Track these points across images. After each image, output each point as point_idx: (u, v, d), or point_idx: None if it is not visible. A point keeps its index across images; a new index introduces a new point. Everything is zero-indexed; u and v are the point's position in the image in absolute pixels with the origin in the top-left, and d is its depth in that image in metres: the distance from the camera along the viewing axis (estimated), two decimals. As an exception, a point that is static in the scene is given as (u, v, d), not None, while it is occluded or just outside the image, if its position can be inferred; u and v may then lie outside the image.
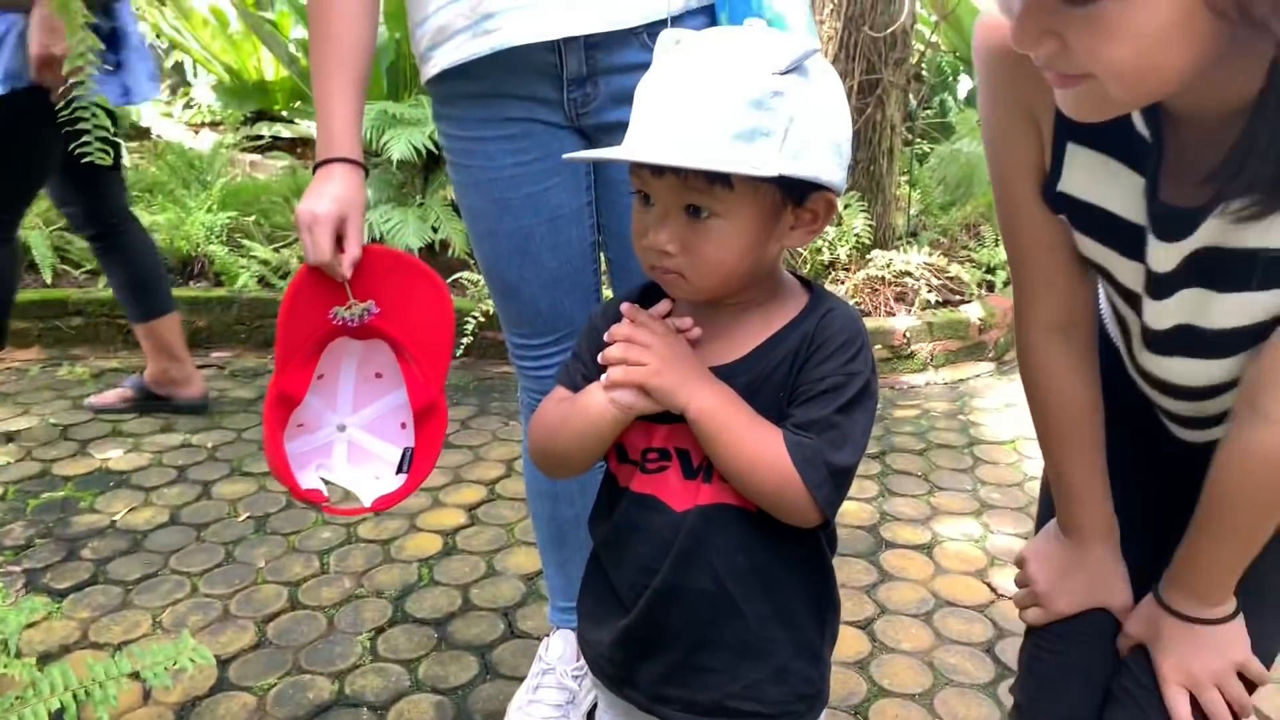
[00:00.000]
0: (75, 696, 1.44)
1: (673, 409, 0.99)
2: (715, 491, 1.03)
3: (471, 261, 3.62)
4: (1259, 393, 0.95)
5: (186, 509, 2.62)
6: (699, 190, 0.93)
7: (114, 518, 2.57)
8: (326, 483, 1.56)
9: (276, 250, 3.76)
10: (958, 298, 3.68)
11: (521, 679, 1.92)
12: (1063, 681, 1.16)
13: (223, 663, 2.01)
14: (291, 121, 5.95)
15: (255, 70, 6.23)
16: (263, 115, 6.10)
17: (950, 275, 3.74)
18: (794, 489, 0.96)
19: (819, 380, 0.98)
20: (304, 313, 1.47)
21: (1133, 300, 1.04)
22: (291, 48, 5.48)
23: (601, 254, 1.64)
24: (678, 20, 1.38)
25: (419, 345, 1.53)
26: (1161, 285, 0.97)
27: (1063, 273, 1.07)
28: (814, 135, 0.92)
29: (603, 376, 1.03)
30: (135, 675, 1.58)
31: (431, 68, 1.45)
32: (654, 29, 1.36)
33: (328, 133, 1.40)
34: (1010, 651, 2.07)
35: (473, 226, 1.59)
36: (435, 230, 3.66)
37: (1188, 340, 1.00)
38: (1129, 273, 1.01)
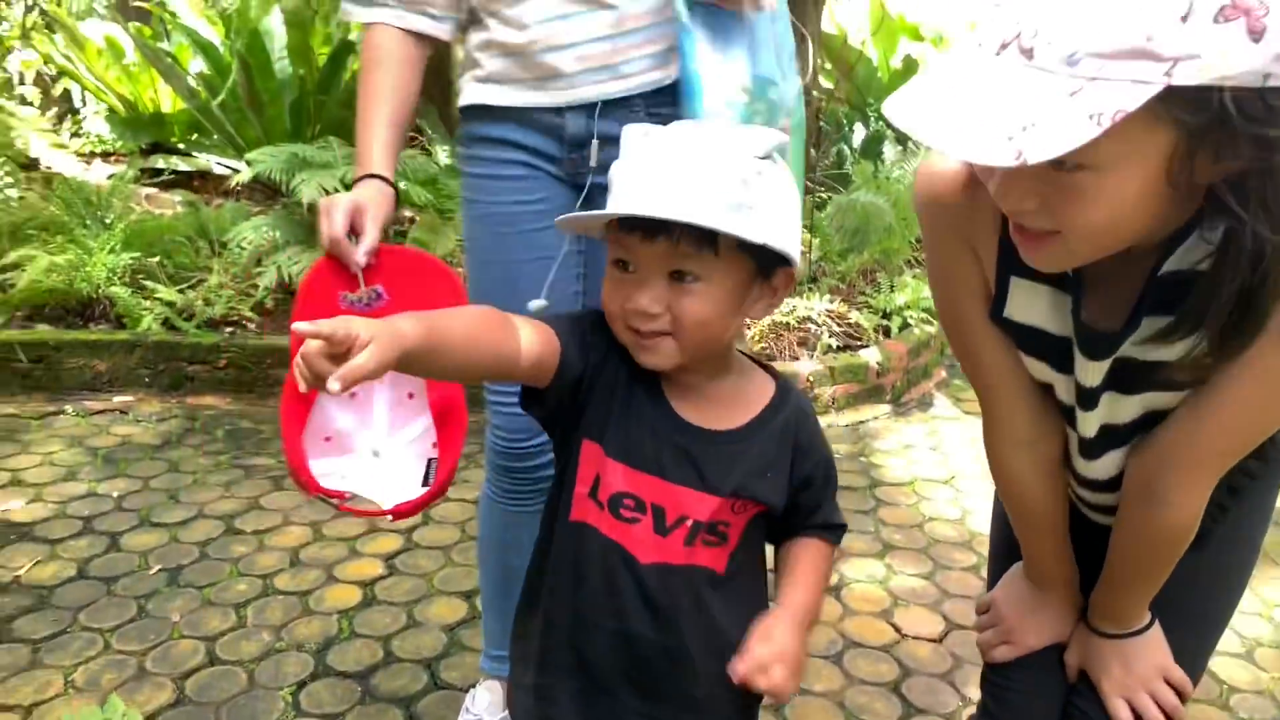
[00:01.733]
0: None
1: None
2: (689, 552, 1.11)
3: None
4: (1153, 479, 1.08)
5: (95, 562, 2.57)
6: (687, 255, 1.02)
7: (17, 573, 2.51)
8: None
9: (181, 291, 3.71)
10: (857, 343, 3.84)
11: (448, 731, 1.95)
12: (1032, 708, 1.31)
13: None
14: (189, 154, 5.85)
15: (152, 102, 6.11)
16: (159, 147, 5.99)
17: (850, 321, 3.90)
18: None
19: (816, 472, 1.17)
20: (317, 302, 1.51)
21: (1069, 415, 1.16)
22: (190, 81, 5.41)
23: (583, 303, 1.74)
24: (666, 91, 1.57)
25: None
26: (1089, 397, 1.10)
27: (1024, 393, 1.17)
28: (782, 214, 1.04)
29: None
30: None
31: (463, 98, 1.64)
32: (651, 100, 1.57)
33: (365, 156, 1.58)
34: (916, 690, 2.18)
35: (471, 256, 1.72)
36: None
37: (1109, 438, 1.13)
38: (1064, 388, 1.13)
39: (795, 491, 1.16)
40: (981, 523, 2.87)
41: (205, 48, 5.36)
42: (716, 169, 1.00)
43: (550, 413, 1.15)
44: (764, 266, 1.07)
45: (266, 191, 4.31)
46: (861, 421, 3.66)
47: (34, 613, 2.36)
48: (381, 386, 1.59)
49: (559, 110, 1.58)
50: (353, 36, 5.02)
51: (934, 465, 3.31)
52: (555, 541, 1.18)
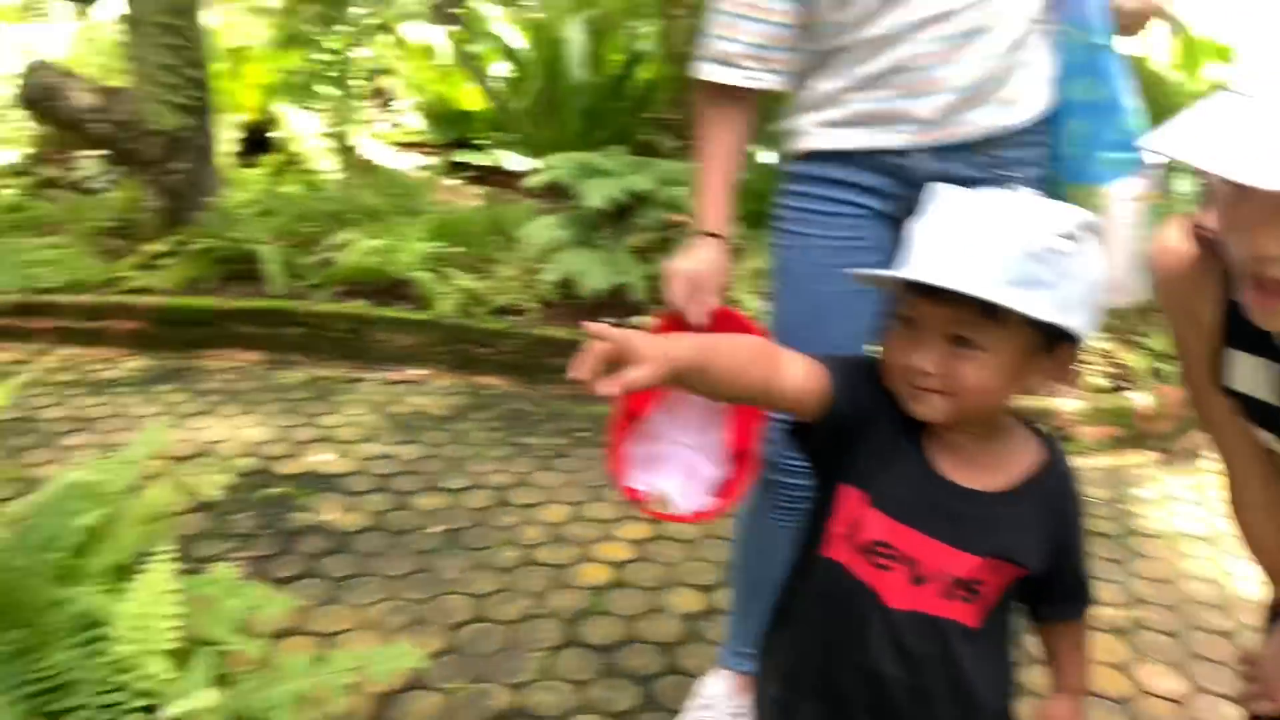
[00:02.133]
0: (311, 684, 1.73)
1: None
2: (941, 604, 1.16)
3: (647, 306, 3.88)
4: None
5: (388, 516, 2.92)
6: (970, 323, 1.06)
7: (325, 518, 2.89)
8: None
9: (477, 280, 4.08)
10: (1126, 385, 3.70)
11: (679, 712, 2.10)
12: None
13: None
14: (488, 150, 6.35)
15: (459, 100, 6.67)
16: (462, 143, 6.53)
17: (1119, 361, 3.76)
18: None
19: (1074, 538, 1.23)
20: None
21: None
22: (494, 83, 5.88)
23: None
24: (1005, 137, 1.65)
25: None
26: None
27: (1255, 459, 1.21)
28: (1079, 294, 1.06)
29: None
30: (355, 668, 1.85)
31: (805, 142, 1.74)
32: (994, 145, 1.64)
33: (705, 215, 1.74)
34: (1148, 748, 2.15)
35: (781, 283, 1.81)
36: (620, 274, 3.91)
37: None
38: None
39: (1055, 556, 1.19)
40: (1243, 586, 2.74)
41: (510, 53, 5.81)
42: (1007, 242, 1.03)
43: (814, 449, 1.22)
44: (1050, 339, 1.09)
45: (557, 191, 4.64)
46: (1122, 467, 3.54)
47: (336, 554, 2.72)
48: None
49: (904, 152, 1.65)
50: (641, 46, 5.30)
51: (1196, 521, 3.16)
52: (808, 571, 1.25)
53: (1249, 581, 2.77)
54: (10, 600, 1.64)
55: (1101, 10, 1.62)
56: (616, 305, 3.94)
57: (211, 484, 2.20)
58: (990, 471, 1.17)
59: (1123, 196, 1.58)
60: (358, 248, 4.04)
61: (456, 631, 2.42)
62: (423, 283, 3.99)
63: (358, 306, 4.03)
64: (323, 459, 3.23)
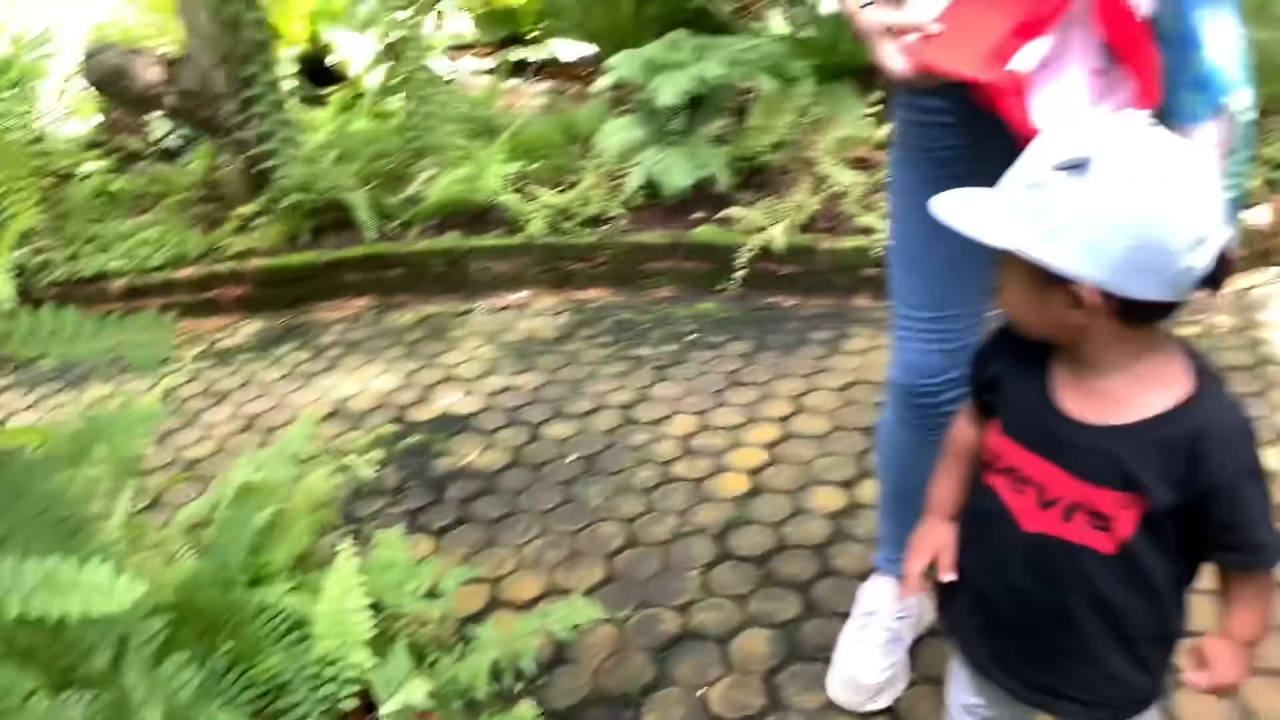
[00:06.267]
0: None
1: None
2: (1070, 529, 1.21)
3: (736, 196, 3.86)
4: None
5: (524, 450, 3.02)
6: (996, 251, 1.15)
7: (466, 460, 3.00)
8: None
9: (560, 193, 4.08)
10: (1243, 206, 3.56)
11: (841, 614, 2.18)
12: None
13: (583, 596, 2.37)
14: (539, 42, 6.26)
15: (506, -1, 6.54)
16: (513, 39, 6.44)
17: (1234, 179, 3.61)
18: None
19: (1228, 482, 1.13)
20: None
21: None
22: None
23: None
24: None
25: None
26: None
27: None
28: (1074, 229, 1.04)
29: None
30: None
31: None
32: None
33: None
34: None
35: (897, 200, 1.78)
36: (702, 168, 3.87)
37: None
38: None
39: (1195, 498, 1.14)
40: (1391, 406, 2.68)
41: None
42: (1019, 167, 1.11)
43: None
44: (1058, 275, 1.07)
45: (625, 88, 4.56)
46: (1246, 289, 3.44)
47: (484, 496, 2.83)
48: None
49: None
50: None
51: (1334, 338, 3.08)
52: (970, 497, 1.38)
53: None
54: (217, 611, 1.77)
55: None
56: (703, 200, 3.92)
57: (369, 463, 2.30)
58: (1113, 405, 1.17)
59: (1206, 143, 1.36)
60: (442, 181, 4.06)
61: (613, 560, 2.52)
62: (510, 206, 4.01)
63: (452, 239, 4.07)
64: (452, 400, 3.34)
